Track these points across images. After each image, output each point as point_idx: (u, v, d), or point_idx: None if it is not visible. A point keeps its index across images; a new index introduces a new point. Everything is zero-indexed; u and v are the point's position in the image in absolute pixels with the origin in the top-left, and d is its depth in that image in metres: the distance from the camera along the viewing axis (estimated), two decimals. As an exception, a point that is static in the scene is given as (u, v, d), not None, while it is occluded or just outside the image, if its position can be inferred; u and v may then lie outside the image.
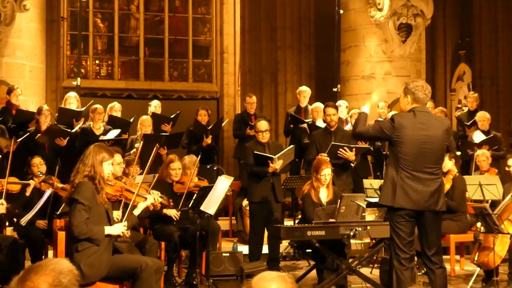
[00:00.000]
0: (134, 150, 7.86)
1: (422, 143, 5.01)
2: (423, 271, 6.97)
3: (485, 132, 9.31)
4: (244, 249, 7.57)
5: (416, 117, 5.06)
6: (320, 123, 9.00)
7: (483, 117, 9.42)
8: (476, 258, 6.62)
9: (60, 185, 6.52)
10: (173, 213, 6.56)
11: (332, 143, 7.41)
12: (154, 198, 5.30)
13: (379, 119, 10.09)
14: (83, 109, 8.97)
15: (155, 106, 9.77)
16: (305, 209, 6.73)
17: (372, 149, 8.93)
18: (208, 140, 9.14)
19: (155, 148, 5.68)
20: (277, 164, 7.15)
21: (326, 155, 7.24)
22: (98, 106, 8.74)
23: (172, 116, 9.37)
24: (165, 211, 6.50)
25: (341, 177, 7.53)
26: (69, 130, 8.37)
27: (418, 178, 4.99)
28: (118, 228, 4.82)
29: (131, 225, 5.19)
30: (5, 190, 5.99)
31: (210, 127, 9.27)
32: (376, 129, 5.20)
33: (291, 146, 7.62)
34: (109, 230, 4.76)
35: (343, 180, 7.55)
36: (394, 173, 5.04)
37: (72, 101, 8.99)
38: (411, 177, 4.98)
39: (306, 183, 7.01)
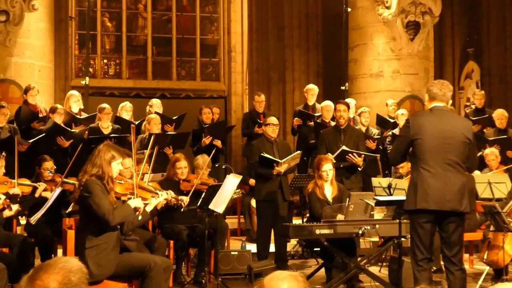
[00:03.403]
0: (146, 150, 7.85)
1: (442, 138, 4.92)
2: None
3: (502, 131, 9.25)
4: (252, 247, 7.57)
5: (433, 114, 5.00)
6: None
7: (500, 115, 9.35)
8: (485, 257, 6.59)
9: (65, 179, 6.53)
10: (184, 199, 6.37)
11: (342, 148, 7.38)
12: (167, 194, 5.28)
13: (386, 117, 10.10)
14: (85, 116, 8.99)
15: (152, 105, 9.69)
16: (312, 207, 6.73)
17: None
18: (207, 141, 8.96)
19: (155, 150, 5.70)
20: (282, 168, 7.16)
21: (334, 159, 7.22)
22: (106, 106, 8.73)
23: (174, 118, 9.33)
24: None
25: (350, 178, 7.53)
26: (70, 130, 8.41)
27: (439, 174, 4.89)
28: (139, 200, 4.84)
29: (143, 221, 5.20)
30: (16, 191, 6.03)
31: (207, 126, 9.20)
32: (398, 141, 5.11)
33: (298, 151, 7.58)
34: (133, 203, 4.79)
35: (351, 179, 7.55)
36: (416, 175, 4.96)
37: (76, 99, 9.02)
38: (432, 175, 4.88)
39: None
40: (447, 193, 4.90)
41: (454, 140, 4.96)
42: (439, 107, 5.05)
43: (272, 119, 7.57)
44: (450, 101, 5.81)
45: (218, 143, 9.12)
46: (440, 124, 4.96)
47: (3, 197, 5.36)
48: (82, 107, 9.18)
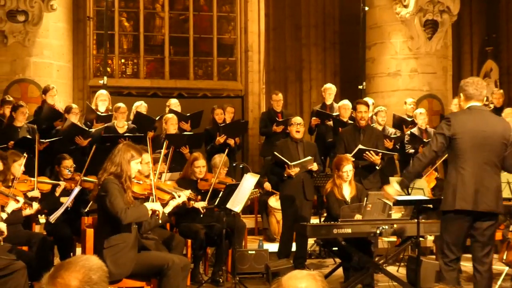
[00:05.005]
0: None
1: (482, 138, 4.87)
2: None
3: None
4: (269, 247, 7.57)
5: (472, 113, 4.94)
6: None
7: (507, 115, 9.28)
8: (504, 257, 6.53)
9: (84, 178, 6.57)
10: (201, 205, 6.49)
11: (359, 147, 7.35)
12: (186, 196, 5.29)
13: (405, 116, 10.05)
14: (106, 114, 9.04)
15: (170, 105, 9.73)
16: (330, 207, 6.71)
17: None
18: (221, 139, 8.99)
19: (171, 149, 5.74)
20: (292, 171, 7.15)
21: (352, 157, 7.20)
22: (121, 105, 8.78)
23: (188, 114, 9.37)
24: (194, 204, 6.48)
25: (368, 178, 7.49)
26: (88, 129, 8.46)
27: (477, 174, 4.84)
28: (158, 204, 4.86)
29: (162, 222, 5.22)
30: (35, 189, 6.09)
31: (223, 125, 9.24)
32: (436, 141, 4.94)
33: (310, 157, 7.53)
34: (150, 205, 4.81)
35: (370, 179, 7.51)
36: (454, 175, 4.89)
37: (104, 99, 9.08)
38: (471, 174, 4.83)
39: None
40: (484, 194, 4.85)
41: (493, 140, 4.90)
42: (477, 107, 4.98)
43: (297, 119, 7.52)
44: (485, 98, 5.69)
45: (231, 141, 9.14)
46: (480, 124, 4.91)
47: (22, 200, 5.39)
48: (110, 107, 9.21)
